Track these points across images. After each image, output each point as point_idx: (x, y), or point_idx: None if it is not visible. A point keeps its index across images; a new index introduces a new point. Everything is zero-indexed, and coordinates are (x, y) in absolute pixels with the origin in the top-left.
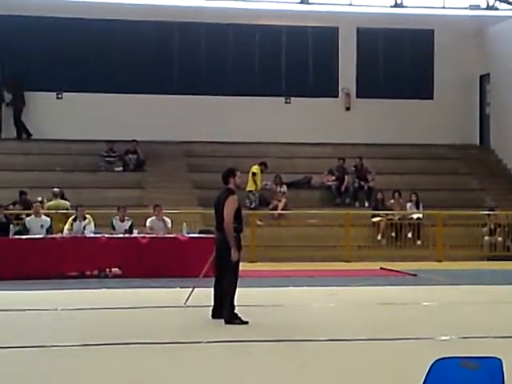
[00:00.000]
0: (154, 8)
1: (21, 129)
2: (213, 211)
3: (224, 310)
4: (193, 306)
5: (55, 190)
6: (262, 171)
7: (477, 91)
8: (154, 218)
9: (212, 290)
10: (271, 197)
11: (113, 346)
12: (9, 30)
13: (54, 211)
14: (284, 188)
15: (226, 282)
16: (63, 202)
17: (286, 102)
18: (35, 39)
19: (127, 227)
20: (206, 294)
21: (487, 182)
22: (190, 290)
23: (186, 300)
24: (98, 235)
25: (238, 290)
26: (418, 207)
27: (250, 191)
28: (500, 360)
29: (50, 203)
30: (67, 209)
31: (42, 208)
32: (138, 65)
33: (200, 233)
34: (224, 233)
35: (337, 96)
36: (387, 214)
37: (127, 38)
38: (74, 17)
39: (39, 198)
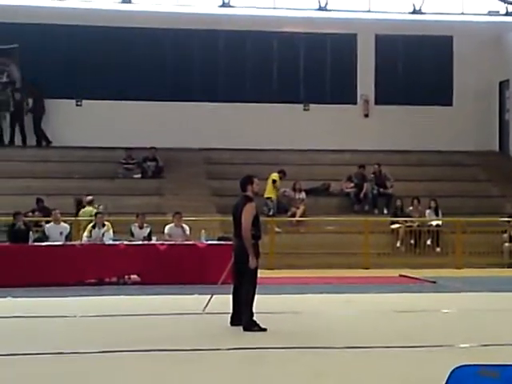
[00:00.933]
0: (173, 16)
1: (41, 136)
2: (231, 218)
3: (243, 316)
4: (211, 313)
5: (88, 197)
6: (280, 178)
7: (496, 97)
8: (172, 225)
9: (231, 296)
10: (289, 204)
11: (131, 353)
12: (29, 38)
13: (88, 218)
14: (303, 195)
15: (244, 289)
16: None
17: (305, 109)
18: (55, 47)
19: (146, 234)
20: (224, 301)
21: (507, 188)
22: (209, 296)
23: (205, 307)
24: (117, 242)
25: (256, 296)
26: (437, 214)
27: (269, 198)
28: None
29: (85, 210)
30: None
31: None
32: (157, 72)
33: (218, 240)
34: (242, 240)
35: (355, 103)
36: (406, 221)
37: (146, 46)
38: (93, 25)
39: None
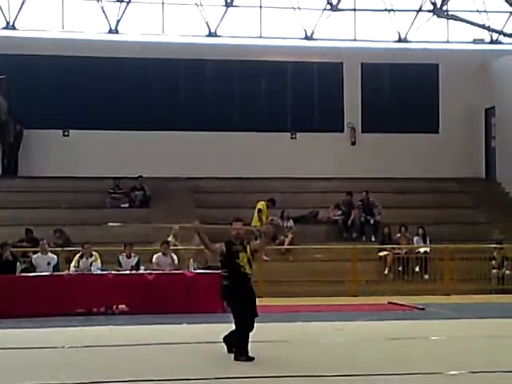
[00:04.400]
0: (159, 45)
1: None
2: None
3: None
4: (201, 343)
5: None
6: (268, 207)
7: (482, 124)
8: (160, 254)
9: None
10: (278, 232)
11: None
12: (16, 68)
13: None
14: (291, 223)
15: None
16: None
17: (292, 138)
18: (41, 77)
19: (134, 264)
20: (214, 331)
21: (494, 215)
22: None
23: None
24: (105, 272)
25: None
26: (424, 241)
27: (255, 227)
28: None
29: None
30: None
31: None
32: (143, 102)
33: (207, 269)
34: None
35: (342, 131)
36: (394, 248)
37: (133, 76)
38: (80, 55)
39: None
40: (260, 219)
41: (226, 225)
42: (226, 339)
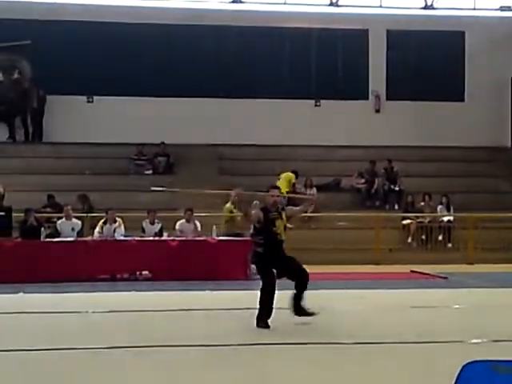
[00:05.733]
0: (183, 11)
1: (38, 131)
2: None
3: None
4: (224, 309)
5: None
6: (296, 177)
7: (508, 93)
8: (183, 220)
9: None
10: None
11: (140, 349)
12: (41, 34)
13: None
14: (314, 191)
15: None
16: None
17: (316, 105)
18: (66, 43)
19: (157, 230)
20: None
21: None
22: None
23: None
24: (129, 238)
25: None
26: (448, 210)
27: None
28: None
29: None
30: None
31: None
32: (167, 68)
33: (236, 236)
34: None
35: (367, 98)
36: (417, 217)
37: (157, 42)
38: (105, 21)
39: None
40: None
41: (261, 192)
42: (293, 305)
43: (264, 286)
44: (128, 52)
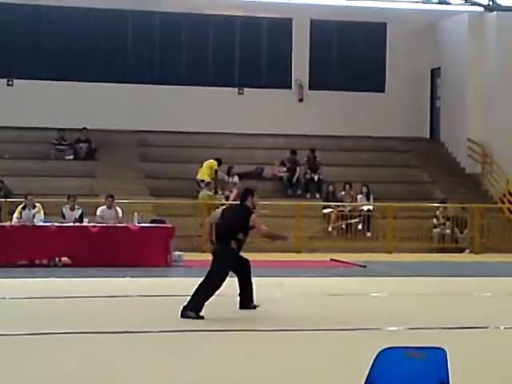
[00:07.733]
0: None
1: None
2: (163, 201)
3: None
4: (142, 296)
5: None
6: (218, 165)
7: (428, 85)
8: (104, 207)
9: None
10: (222, 187)
11: (58, 336)
12: None
13: None
14: (235, 179)
15: (209, 281)
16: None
17: (239, 93)
18: None
19: (77, 216)
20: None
21: (437, 174)
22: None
23: None
24: (48, 224)
25: (184, 279)
26: (368, 199)
27: (202, 181)
28: (444, 350)
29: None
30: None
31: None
32: (90, 53)
33: (151, 222)
34: (223, 243)
35: (290, 87)
36: (338, 206)
37: (79, 26)
38: (26, 3)
39: None
40: (210, 175)
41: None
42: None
43: (216, 279)
44: (51, 35)
